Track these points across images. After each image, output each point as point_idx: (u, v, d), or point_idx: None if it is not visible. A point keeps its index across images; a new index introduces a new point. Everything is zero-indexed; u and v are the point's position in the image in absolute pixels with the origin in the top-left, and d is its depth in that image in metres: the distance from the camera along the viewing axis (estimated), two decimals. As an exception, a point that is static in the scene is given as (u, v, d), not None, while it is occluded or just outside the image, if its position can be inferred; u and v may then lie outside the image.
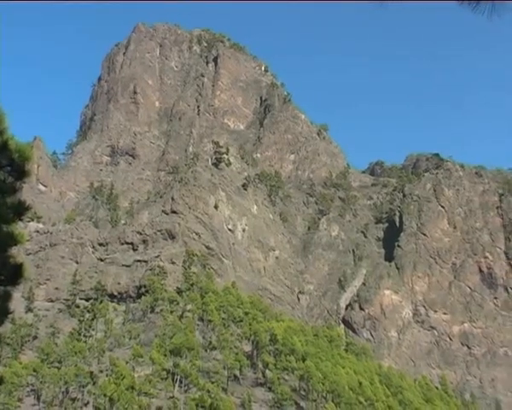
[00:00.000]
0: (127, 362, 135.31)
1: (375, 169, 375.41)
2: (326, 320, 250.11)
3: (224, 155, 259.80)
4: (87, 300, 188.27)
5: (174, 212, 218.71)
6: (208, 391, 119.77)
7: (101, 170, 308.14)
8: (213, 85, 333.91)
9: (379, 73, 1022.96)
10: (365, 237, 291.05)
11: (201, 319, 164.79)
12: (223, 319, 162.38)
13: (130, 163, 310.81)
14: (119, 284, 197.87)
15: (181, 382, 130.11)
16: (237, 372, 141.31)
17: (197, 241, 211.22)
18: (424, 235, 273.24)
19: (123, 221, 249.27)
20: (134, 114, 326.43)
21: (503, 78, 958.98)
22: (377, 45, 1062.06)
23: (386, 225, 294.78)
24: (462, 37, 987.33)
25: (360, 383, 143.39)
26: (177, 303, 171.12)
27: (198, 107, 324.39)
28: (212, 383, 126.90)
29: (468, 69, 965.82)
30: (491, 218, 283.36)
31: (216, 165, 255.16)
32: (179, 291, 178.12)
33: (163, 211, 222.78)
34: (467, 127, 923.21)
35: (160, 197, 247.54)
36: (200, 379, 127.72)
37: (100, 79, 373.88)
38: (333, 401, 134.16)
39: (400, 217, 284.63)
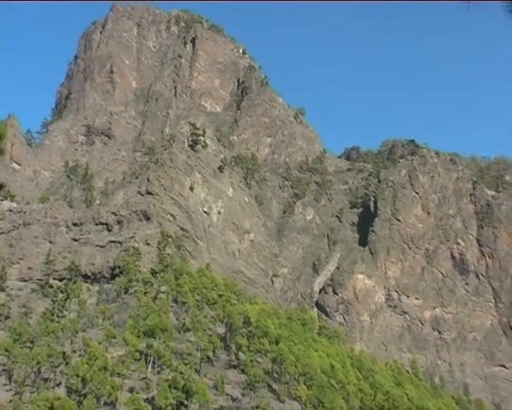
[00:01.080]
0: (100, 343, 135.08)
1: (350, 154, 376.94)
2: (299, 304, 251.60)
3: (201, 137, 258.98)
4: (60, 280, 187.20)
5: (149, 193, 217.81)
6: (181, 373, 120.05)
7: (76, 149, 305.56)
8: (191, 67, 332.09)
9: (356, 60, 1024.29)
10: (340, 221, 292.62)
11: (175, 301, 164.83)
12: (197, 300, 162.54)
13: (105, 143, 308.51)
14: (93, 264, 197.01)
15: (154, 363, 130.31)
16: (210, 354, 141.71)
17: (172, 222, 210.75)
18: (398, 221, 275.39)
19: (98, 201, 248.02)
20: (110, 94, 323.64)
21: (477, 66, 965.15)
22: (355, 32, 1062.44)
23: (361, 210, 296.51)
24: (436, 24, 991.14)
25: (332, 366, 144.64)
26: (152, 284, 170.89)
27: (175, 88, 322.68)
28: (186, 364, 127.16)
29: (445, 57, 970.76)
30: (464, 205, 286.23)
31: (192, 147, 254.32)
32: (153, 273, 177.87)
33: (138, 192, 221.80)
34: (442, 115, 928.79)
35: (136, 178, 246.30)
36: (173, 361, 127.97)
37: (76, 57, 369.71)
38: (305, 383, 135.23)
39: (375, 202, 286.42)
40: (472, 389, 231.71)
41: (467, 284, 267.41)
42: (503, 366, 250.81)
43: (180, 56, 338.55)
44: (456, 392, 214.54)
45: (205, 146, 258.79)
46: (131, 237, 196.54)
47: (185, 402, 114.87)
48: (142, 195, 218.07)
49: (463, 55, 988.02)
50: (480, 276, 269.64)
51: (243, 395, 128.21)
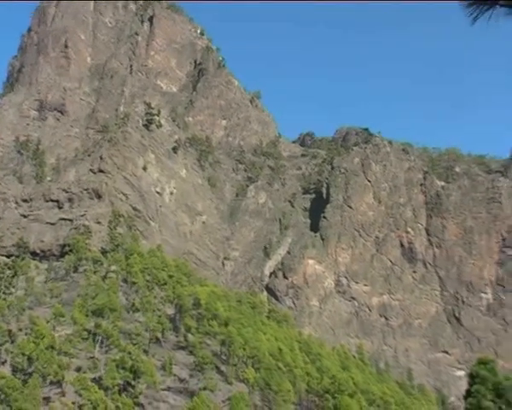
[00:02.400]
0: (48, 321, 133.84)
1: (305, 140, 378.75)
2: (250, 287, 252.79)
3: (156, 117, 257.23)
4: (8, 256, 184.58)
5: (102, 171, 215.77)
6: (129, 353, 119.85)
7: (27, 124, 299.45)
8: (147, 45, 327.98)
9: (314, 44, 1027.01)
10: (292, 206, 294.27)
11: (125, 281, 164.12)
12: (147, 281, 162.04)
13: (58, 119, 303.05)
14: (42, 241, 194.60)
15: (102, 343, 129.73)
16: (159, 335, 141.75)
17: (124, 202, 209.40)
18: (350, 208, 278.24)
19: (49, 178, 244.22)
20: (64, 69, 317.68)
21: (431, 57, 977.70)
22: (313, 22, 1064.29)
23: (314, 196, 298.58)
24: (391, 12, 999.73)
25: (280, 350, 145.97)
26: (101, 264, 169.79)
27: (131, 66, 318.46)
28: (134, 344, 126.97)
29: (401, 46, 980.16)
30: (414, 194, 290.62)
31: (147, 126, 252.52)
32: (104, 252, 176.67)
33: (90, 170, 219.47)
34: (397, 105, 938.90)
35: (88, 156, 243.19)
36: (121, 341, 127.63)
37: (30, 29, 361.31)
38: (253, 366, 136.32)
39: (327, 189, 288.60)
40: (415, 374, 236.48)
41: (414, 271, 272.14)
42: (446, 352, 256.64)
43: (137, 34, 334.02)
44: (400, 377, 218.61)
45: (159, 126, 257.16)
46: (82, 215, 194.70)
47: (132, 382, 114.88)
48: (95, 173, 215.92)
49: (422, 45, 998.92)
50: (428, 264, 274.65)
51: (191, 376, 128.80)
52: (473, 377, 37.07)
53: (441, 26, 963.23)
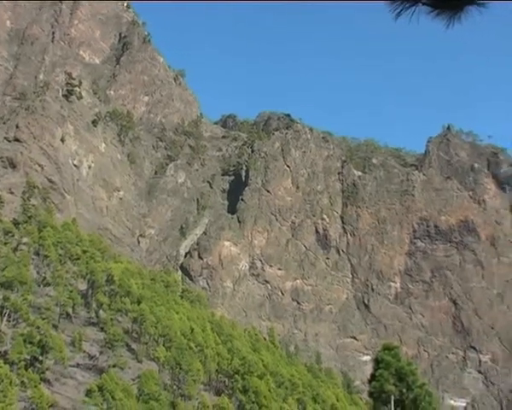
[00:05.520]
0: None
1: (227, 122, 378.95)
2: (164, 266, 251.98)
3: (76, 88, 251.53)
4: None
5: (17, 140, 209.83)
6: (38, 327, 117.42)
7: None
8: (71, 14, 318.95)
9: (241, 28, 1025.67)
10: (211, 187, 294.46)
11: (37, 254, 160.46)
12: (59, 255, 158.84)
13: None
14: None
15: (10, 316, 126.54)
16: (70, 310, 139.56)
17: (39, 173, 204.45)
18: (268, 192, 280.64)
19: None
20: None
21: (357, 50, 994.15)
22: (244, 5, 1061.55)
23: (233, 178, 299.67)
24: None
25: (192, 330, 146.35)
26: (13, 235, 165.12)
27: (53, 33, 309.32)
28: (43, 319, 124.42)
29: (330, 37, 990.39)
30: (331, 182, 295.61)
31: (66, 97, 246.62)
32: (16, 223, 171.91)
33: (5, 138, 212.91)
34: (319, 92, 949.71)
35: (4, 123, 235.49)
36: (30, 315, 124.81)
37: None
38: (164, 344, 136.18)
39: (247, 172, 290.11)
40: (324, 358, 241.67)
41: (327, 258, 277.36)
42: (354, 337, 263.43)
43: (61, 1, 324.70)
44: (309, 360, 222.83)
45: (80, 97, 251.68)
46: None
47: (40, 358, 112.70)
48: (10, 141, 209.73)
49: (346, 35, 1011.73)
50: (341, 252, 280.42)
51: (101, 353, 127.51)
52: (377, 362, 38.25)
53: (364, 15, 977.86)
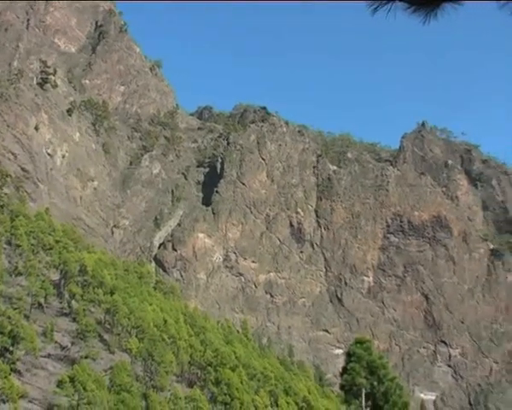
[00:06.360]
0: None
1: (203, 113, 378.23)
2: (138, 257, 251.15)
3: (51, 76, 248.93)
4: None
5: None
6: (9, 317, 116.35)
7: None
8: (47, 1, 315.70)
9: (218, 19, 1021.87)
10: (186, 179, 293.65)
11: (9, 243, 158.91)
12: (32, 244, 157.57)
13: None
14: None
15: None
16: (42, 300, 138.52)
17: (12, 161, 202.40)
18: (243, 184, 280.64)
19: None
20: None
21: (333, 45, 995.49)
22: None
23: (208, 170, 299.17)
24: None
25: (165, 321, 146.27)
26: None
27: (28, 20, 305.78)
28: (15, 309, 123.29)
29: (307, 31, 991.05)
30: (306, 176, 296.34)
31: (41, 85, 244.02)
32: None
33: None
34: (295, 86, 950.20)
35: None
36: (1, 305, 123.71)
37: None
38: (137, 336, 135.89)
39: (222, 164, 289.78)
40: (296, 351, 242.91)
41: (301, 252, 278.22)
42: (327, 331, 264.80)
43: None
44: (281, 353, 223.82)
45: (55, 86, 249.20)
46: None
47: (11, 348, 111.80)
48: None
49: (328, 31, 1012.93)
50: (315, 245, 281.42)
51: (73, 343, 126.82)
52: (349, 356, 38.60)
53: (339, 10, 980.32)
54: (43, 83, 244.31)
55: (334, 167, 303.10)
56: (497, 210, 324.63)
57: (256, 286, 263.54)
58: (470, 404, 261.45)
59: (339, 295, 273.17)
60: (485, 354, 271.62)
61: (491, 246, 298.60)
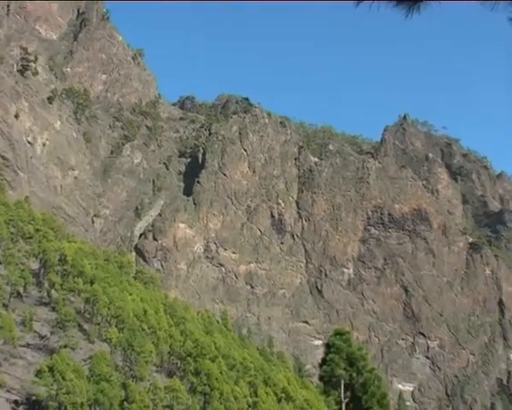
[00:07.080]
0: None
1: (185, 103, 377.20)
2: (118, 246, 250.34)
3: (32, 64, 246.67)
4: None
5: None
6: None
7: None
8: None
9: (201, 7, 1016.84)
10: (167, 168, 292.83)
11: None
12: (11, 233, 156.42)
13: None
14: None
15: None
16: (21, 290, 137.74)
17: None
18: (224, 175, 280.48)
19: None
20: None
21: (316, 36, 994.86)
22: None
23: (189, 160, 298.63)
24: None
25: (145, 311, 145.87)
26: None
27: (8, 6, 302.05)
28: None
29: (291, 21, 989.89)
30: (288, 168, 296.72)
31: (21, 72, 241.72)
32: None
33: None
34: (278, 77, 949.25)
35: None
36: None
37: None
38: (116, 326, 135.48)
39: (204, 154, 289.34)
40: (276, 341, 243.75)
41: (282, 243, 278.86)
42: (306, 322, 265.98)
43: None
44: (261, 344, 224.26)
45: (35, 73, 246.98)
46: None
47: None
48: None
49: (312, 21, 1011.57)
50: (295, 237, 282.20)
51: (52, 333, 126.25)
52: (329, 347, 38.74)
53: (325, 3, 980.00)
54: (23, 70, 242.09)
55: (316, 159, 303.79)
56: (477, 204, 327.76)
57: (236, 277, 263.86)
58: (447, 395, 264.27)
59: (319, 287, 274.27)
60: (462, 345, 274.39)
61: (470, 239, 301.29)
